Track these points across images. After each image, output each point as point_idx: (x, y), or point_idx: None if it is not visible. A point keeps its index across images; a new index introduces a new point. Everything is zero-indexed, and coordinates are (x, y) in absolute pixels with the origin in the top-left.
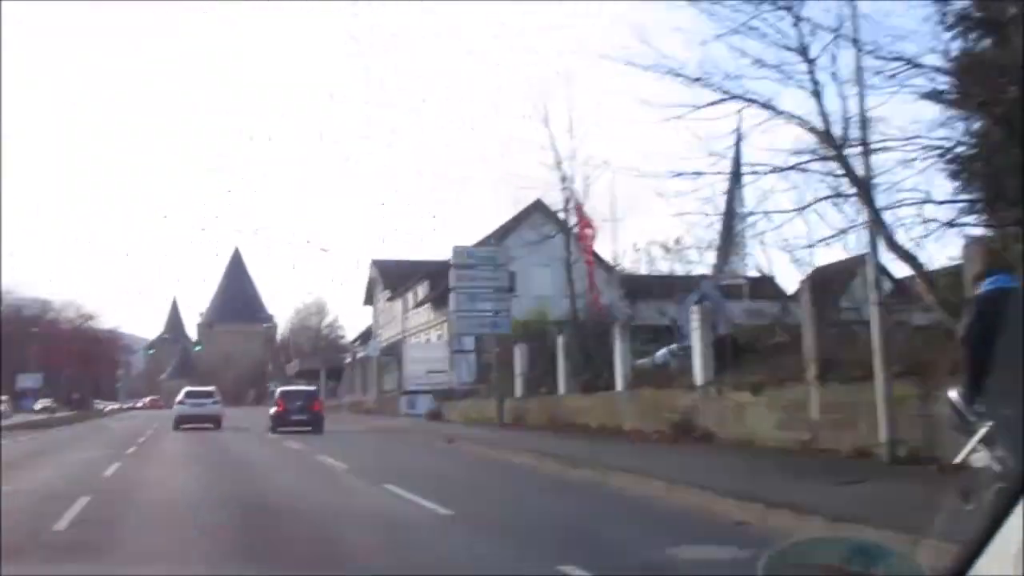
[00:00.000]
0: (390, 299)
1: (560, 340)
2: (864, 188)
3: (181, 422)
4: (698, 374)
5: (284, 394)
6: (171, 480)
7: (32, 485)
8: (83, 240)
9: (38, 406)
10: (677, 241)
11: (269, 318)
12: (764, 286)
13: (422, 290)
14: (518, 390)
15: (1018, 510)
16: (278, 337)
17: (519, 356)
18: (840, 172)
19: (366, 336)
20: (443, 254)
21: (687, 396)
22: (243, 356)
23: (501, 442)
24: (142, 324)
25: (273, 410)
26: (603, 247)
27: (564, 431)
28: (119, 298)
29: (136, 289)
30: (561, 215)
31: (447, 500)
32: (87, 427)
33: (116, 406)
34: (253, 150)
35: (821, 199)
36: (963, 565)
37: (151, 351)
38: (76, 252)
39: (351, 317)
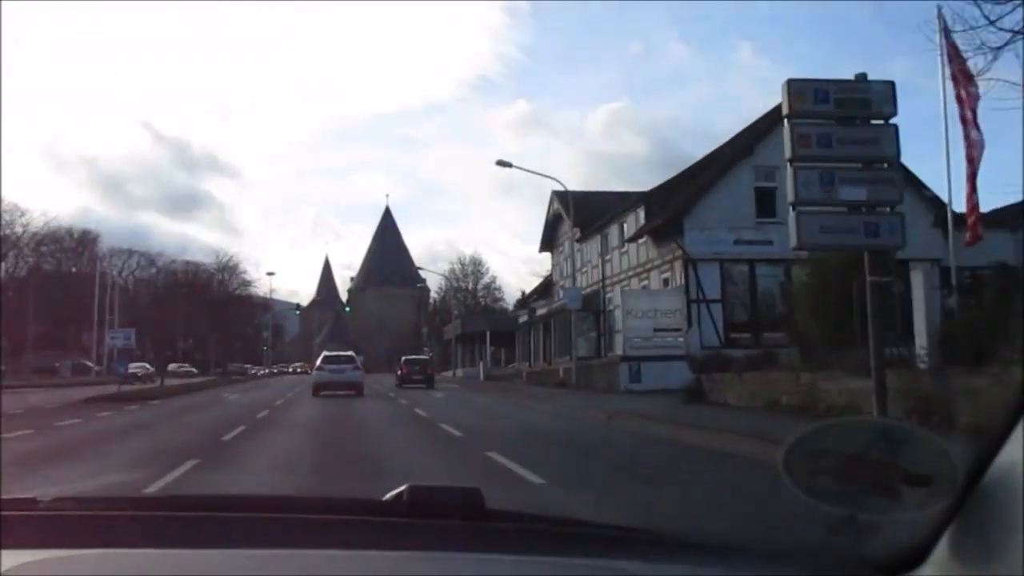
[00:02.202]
0: (580, 239)
1: None
2: None
3: (320, 389)
4: None
5: (407, 361)
6: None
7: None
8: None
9: (130, 370)
10: None
11: (422, 280)
12: None
13: (632, 221)
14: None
15: None
16: (431, 300)
17: (921, 289)
18: None
19: (543, 291)
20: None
21: None
22: (396, 320)
23: None
24: (299, 290)
25: (399, 372)
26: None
27: None
28: (276, 260)
29: (290, 252)
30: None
31: None
32: (179, 405)
33: (244, 370)
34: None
35: None
36: (992, 449)
37: (298, 313)
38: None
39: (510, 277)
